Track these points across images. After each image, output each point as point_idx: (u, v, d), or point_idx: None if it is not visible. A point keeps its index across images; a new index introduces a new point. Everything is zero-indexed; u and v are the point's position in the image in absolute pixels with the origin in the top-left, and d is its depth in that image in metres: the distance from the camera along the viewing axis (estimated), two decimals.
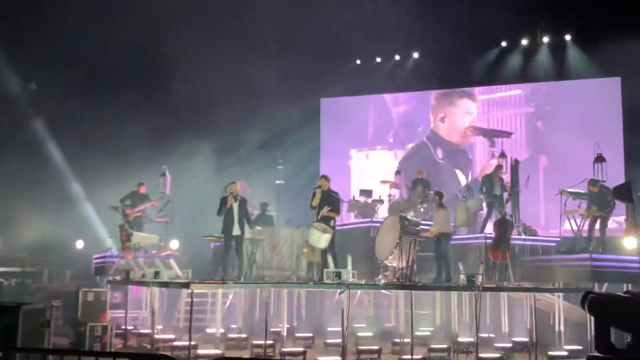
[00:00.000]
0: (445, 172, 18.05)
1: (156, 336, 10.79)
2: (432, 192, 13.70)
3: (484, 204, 13.79)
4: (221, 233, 11.59)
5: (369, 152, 19.26)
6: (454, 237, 12.42)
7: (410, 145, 18.89)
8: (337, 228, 13.41)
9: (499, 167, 13.87)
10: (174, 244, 14.36)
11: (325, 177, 11.69)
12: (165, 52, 15.71)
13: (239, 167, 17.16)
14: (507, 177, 13.73)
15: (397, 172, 16.06)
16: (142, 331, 11.94)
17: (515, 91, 18.02)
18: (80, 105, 16.34)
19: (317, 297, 13.24)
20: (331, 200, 11.42)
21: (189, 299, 10.35)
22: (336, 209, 11.48)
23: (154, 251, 13.63)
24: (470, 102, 18.51)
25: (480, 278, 10.28)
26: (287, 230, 13.25)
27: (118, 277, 12.37)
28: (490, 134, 17.99)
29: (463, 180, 18.02)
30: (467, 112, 18.47)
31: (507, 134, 17.51)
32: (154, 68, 16.46)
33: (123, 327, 11.67)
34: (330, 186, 11.56)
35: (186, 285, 10.12)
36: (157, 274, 10.77)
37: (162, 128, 16.98)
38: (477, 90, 18.43)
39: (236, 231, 11.54)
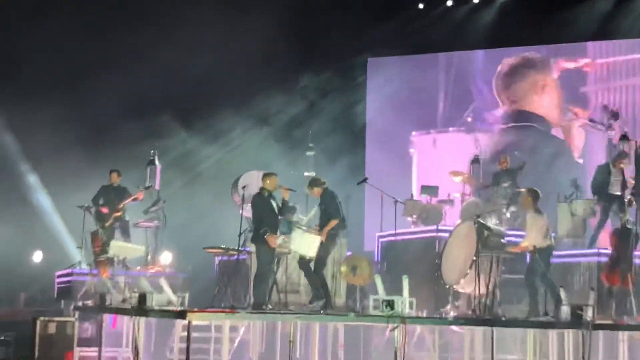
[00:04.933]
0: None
1: None
2: (522, 189, 13.61)
3: (597, 207, 13.67)
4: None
5: (438, 136, 19.19)
6: (554, 253, 12.32)
7: (498, 127, 18.79)
8: (389, 239, 13.44)
9: (619, 155, 13.73)
10: (166, 258, 14.55)
11: (315, 181, 11.97)
12: None
13: (252, 153, 17.28)
14: (629, 170, 13.59)
15: (475, 161, 15.99)
16: None
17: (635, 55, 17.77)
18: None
19: (361, 334, 13.27)
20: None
21: (186, 334, 10.47)
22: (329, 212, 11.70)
23: (138, 267, 13.81)
24: (567, 64, 18.30)
25: (590, 311, 10.20)
26: None
27: (89, 303, 12.57)
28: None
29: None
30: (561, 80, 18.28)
31: (613, 116, 17.19)
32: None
33: None
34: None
35: (182, 314, 10.24)
36: (142, 298, 10.92)
37: (145, 99, 17.25)
38: (588, 49, 18.21)
39: None
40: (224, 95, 17.77)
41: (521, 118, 18.69)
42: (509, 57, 18.92)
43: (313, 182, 12.02)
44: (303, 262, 11.63)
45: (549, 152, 18.12)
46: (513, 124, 18.76)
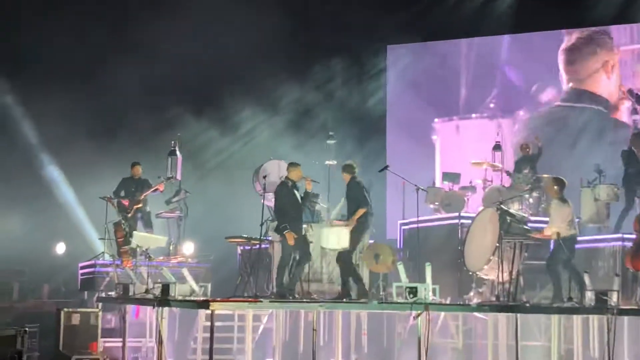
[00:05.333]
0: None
1: None
2: (544, 175, 13.54)
3: (621, 192, 13.60)
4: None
5: (460, 122, 19.08)
6: (579, 238, 12.28)
7: (521, 113, 18.66)
8: (411, 226, 13.41)
9: (634, 137, 13.64)
10: (188, 248, 14.61)
11: (347, 167, 11.95)
12: None
13: (270, 143, 17.29)
14: None
15: (496, 148, 15.92)
16: None
17: None
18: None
19: (384, 322, 13.30)
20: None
21: (209, 323, 10.54)
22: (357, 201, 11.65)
23: (161, 258, 13.90)
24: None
25: (615, 296, 10.16)
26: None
27: (113, 293, 12.65)
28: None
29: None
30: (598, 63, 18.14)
31: (638, 99, 17.03)
32: None
33: None
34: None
35: (205, 304, 10.32)
36: (165, 288, 10.99)
37: (163, 90, 17.28)
38: (611, 33, 18.05)
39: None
40: (243, 86, 17.78)
41: (584, 98, 18.29)
42: (573, 32, 18.57)
43: (345, 168, 12.00)
44: (340, 255, 11.62)
45: (616, 135, 17.80)
46: (574, 104, 18.45)
